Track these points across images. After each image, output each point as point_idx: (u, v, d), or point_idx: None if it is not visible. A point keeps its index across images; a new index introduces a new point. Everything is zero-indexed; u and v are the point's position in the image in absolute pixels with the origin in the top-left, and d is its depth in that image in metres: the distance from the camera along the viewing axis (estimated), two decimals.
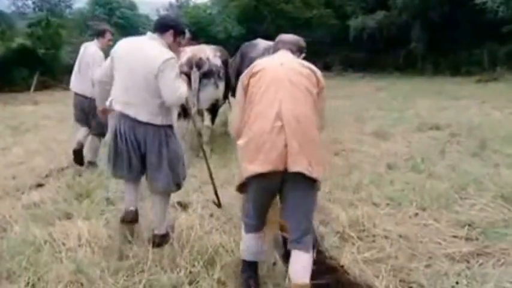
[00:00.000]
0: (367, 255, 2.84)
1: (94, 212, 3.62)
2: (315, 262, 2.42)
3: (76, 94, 4.95)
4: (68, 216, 3.58)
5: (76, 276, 2.56)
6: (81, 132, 5.03)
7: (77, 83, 4.91)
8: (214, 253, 2.79)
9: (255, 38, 6.88)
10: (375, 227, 3.23)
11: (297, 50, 2.68)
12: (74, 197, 4.01)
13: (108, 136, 3.81)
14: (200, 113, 5.74)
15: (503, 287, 2.47)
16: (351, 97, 11.90)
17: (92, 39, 5.09)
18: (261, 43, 6.28)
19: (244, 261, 2.53)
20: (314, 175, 2.18)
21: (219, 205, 3.55)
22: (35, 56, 18.31)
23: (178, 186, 3.10)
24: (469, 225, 3.22)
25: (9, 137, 7.40)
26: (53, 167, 5.10)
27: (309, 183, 2.21)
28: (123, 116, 2.91)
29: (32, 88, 16.68)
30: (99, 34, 4.99)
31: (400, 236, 3.08)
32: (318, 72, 2.44)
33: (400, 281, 2.56)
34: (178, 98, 2.85)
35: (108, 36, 4.97)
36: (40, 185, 4.49)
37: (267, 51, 5.21)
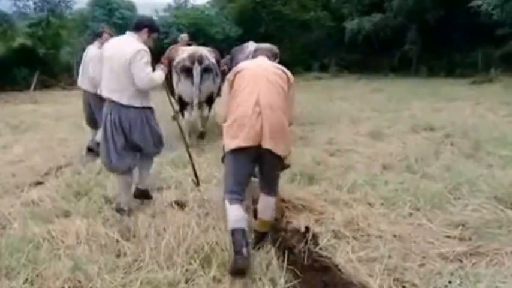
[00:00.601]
0: (361, 255, 2.85)
1: (92, 210, 3.65)
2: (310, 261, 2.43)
3: (84, 91, 5.57)
4: (67, 214, 3.61)
5: (74, 273, 2.58)
6: (92, 134, 5.66)
7: (84, 81, 5.51)
8: (210, 251, 2.80)
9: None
10: (370, 226, 3.25)
11: (272, 56, 3.39)
12: (72, 195, 4.04)
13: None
14: (200, 105, 6.26)
15: (496, 287, 2.49)
16: (346, 98, 11.95)
17: (92, 39, 5.81)
18: (250, 46, 6.65)
19: (234, 231, 2.76)
20: (278, 152, 2.86)
21: (197, 183, 4.08)
22: (35, 56, 18.57)
23: (158, 152, 3.82)
24: (463, 225, 3.23)
25: (10, 135, 7.49)
26: (52, 165, 5.15)
27: (275, 157, 2.89)
28: (110, 102, 3.46)
29: (32, 87, 16.88)
30: (98, 35, 5.69)
31: (394, 236, 3.10)
32: (288, 73, 3.08)
33: (394, 280, 2.57)
34: (149, 81, 3.38)
35: (105, 36, 5.46)
36: (39, 183, 4.53)
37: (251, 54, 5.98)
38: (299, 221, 3.39)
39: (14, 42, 19.13)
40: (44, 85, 17.66)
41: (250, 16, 23.24)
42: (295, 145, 6.09)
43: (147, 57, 3.35)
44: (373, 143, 6.11)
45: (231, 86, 3.02)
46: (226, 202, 2.90)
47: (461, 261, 2.77)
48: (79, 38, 21.48)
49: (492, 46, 17.41)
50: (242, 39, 22.29)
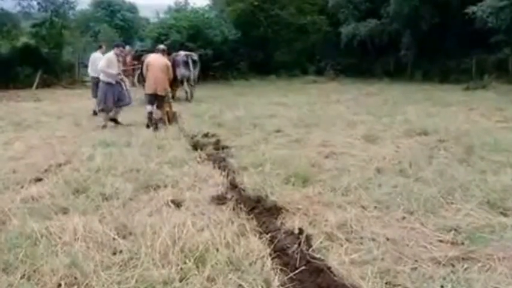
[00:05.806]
0: (354, 257, 2.84)
1: (90, 207, 3.68)
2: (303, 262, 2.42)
3: (93, 77, 9.93)
4: (65, 211, 3.63)
5: (70, 270, 2.59)
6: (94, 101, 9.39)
7: (93, 71, 9.63)
8: (205, 251, 2.80)
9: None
10: (363, 229, 3.25)
11: (162, 52, 8.60)
12: (71, 192, 4.07)
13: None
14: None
15: None
16: (342, 102, 12.02)
17: (96, 49, 10.44)
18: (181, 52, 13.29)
19: (148, 112, 8.27)
20: (161, 94, 8.30)
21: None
22: (38, 55, 18.95)
23: (124, 105, 8.57)
24: (455, 230, 3.24)
25: (12, 132, 7.65)
26: (52, 163, 5.20)
27: (160, 95, 8.32)
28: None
29: (35, 86, 17.19)
30: (100, 47, 10.53)
31: (387, 239, 3.09)
32: (168, 63, 8.67)
33: (386, 283, 2.56)
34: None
35: (102, 49, 10.20)
36: (39, 180, 4.57)
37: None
38: (293, 223, 3.39)
39: (17, 41, 19.68)
40: (46, 84, 17.94)
41: (249, 19, 23.23)
42: (290, 147, 6.15)
43: (114, 61, 8.28)
44: (367, 147, 6.14)
45: (147, 66, 8.28)
46: (145, 105, 8.39)
47: (453, 265, 2.76)
48: (81, 38, 21.51)
49: (486, 53, 17.55)
50: (240, 42, 22.44)
